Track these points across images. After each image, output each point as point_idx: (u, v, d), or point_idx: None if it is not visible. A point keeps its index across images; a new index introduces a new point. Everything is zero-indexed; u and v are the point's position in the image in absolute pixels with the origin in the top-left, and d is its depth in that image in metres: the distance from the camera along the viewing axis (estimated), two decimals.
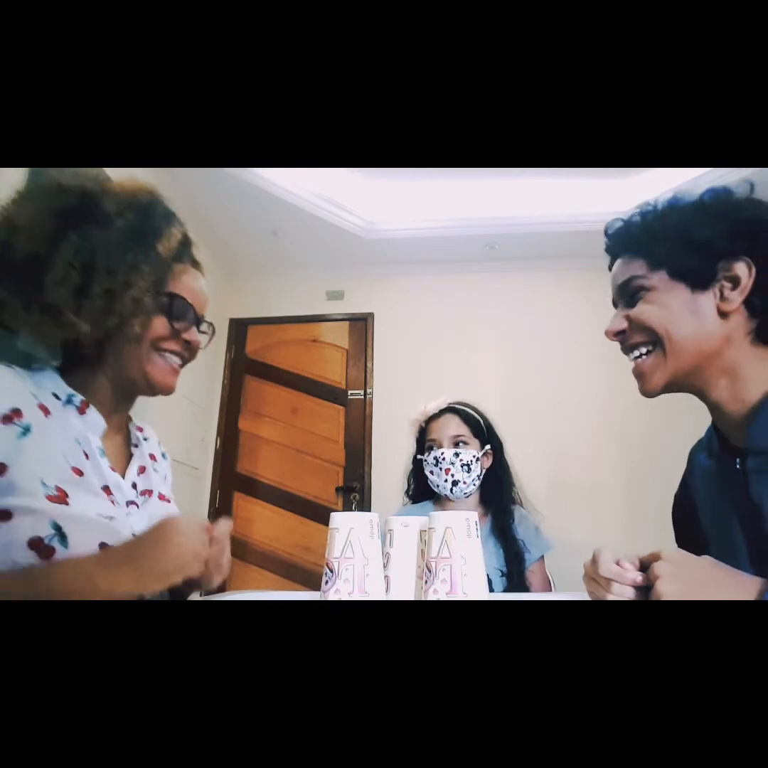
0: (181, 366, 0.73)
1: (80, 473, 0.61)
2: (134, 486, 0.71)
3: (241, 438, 2.90)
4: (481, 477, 1.27)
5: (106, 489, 0.64)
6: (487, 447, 1.29)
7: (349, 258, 2.92)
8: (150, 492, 0.75)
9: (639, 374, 0.70)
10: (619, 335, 0.71)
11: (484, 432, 1.31)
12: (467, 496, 1.26)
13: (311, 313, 3.03)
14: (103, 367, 0.68)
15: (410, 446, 1.39)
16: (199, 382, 2.74)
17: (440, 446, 1.27)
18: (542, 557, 1.25)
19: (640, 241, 0.69)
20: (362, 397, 2.89)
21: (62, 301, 0.61)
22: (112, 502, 0.65)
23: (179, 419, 2.48)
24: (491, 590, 1.14)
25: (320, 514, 2.74)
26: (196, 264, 0.76)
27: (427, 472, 1.29)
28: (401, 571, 0.61)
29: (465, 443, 1.27)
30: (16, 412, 0.58)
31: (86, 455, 0.64)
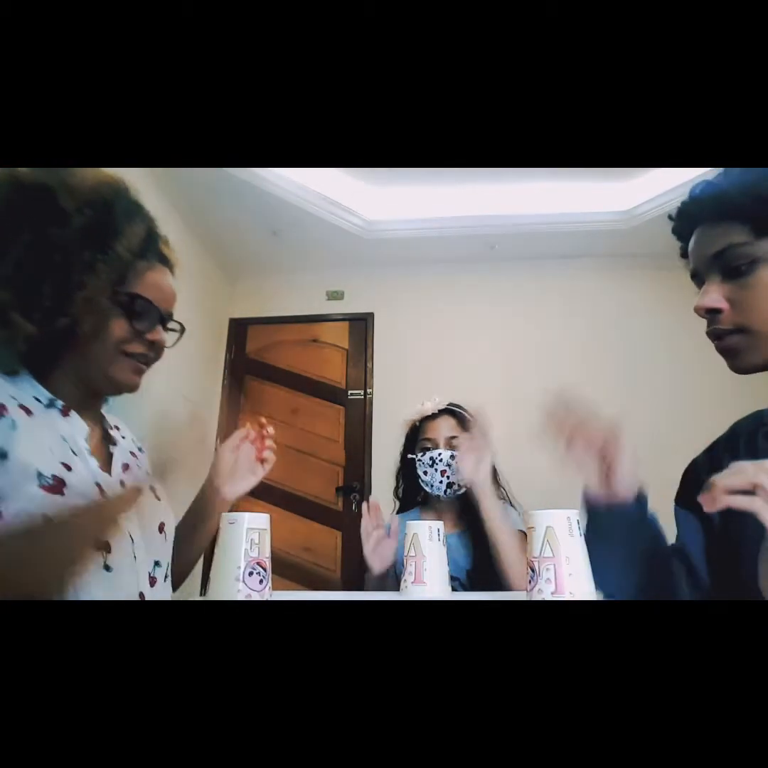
0: (147, 365, 0.72)
1: (69, 468, 0.62)
2: (122, 483, 0.72)
3: None
4: None
5: (98, 486, 0.65)
6: None
7: (349, 258, 2.92)
8: None
9: (728, 352, 0.63)
10: (712, 312, 0.62)
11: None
12: (457, 497, 1.29)
13: (311, 313, 3.03)
14: (67, 369, 0.67)
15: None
16: (199, 382, 2.74)
17: (437, 447, 1.29)
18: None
19: (741, 204, 0.60)
20: (362, 397, 2.88)
21: (6, 302, 0.60)
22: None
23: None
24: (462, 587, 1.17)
25: (320, 515, 2.74)
26: (164, 260, 0.73)
27: (420, 472, 1.30)
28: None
29: (460, 445, 1.29)
30: (2, 407, 0.58)
31: (74, 452, 0.64)
